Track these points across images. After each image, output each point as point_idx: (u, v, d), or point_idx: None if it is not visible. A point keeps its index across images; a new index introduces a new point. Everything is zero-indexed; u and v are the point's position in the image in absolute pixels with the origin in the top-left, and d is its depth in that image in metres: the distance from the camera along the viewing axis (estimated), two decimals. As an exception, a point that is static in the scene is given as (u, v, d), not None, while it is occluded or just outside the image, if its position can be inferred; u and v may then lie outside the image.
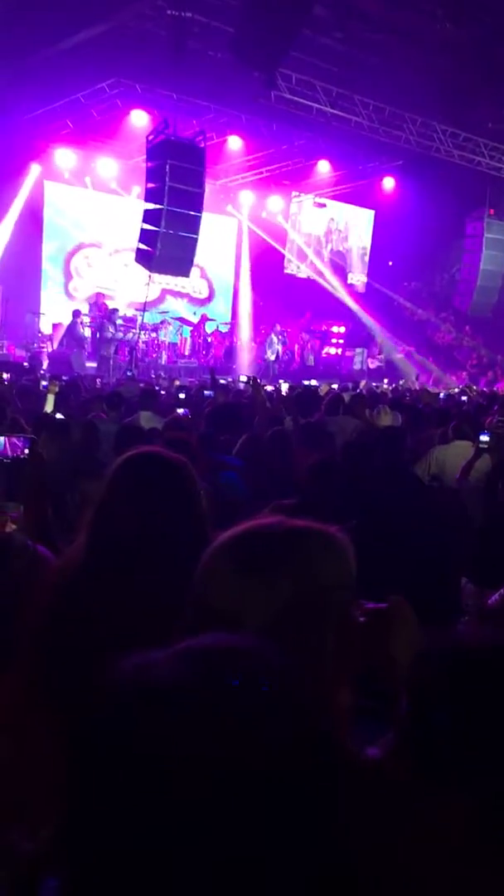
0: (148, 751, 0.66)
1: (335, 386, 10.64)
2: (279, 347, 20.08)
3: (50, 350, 16.93)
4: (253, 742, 0.66)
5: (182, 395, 9.14)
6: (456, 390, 14.32)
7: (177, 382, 12.51)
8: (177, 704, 0.68)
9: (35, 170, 17.63)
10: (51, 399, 6.61)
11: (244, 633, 0.79)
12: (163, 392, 10.00)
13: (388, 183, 20.77)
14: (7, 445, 2.35)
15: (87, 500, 3.49)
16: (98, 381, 12.41)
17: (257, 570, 1.20)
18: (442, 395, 12.66)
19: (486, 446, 6.06)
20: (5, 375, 8.86)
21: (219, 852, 0.63)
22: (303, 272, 22.72)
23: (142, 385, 11.46)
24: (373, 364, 21.12)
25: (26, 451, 2.39)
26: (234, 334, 20.99)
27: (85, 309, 17.92)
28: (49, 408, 6.46)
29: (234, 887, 0.62)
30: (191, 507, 1.66)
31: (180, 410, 7.77)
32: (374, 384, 16.49)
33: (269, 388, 11.98)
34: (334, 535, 1.24)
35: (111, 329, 16.88)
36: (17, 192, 17.39)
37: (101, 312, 17.57)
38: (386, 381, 17.73)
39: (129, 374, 14.17)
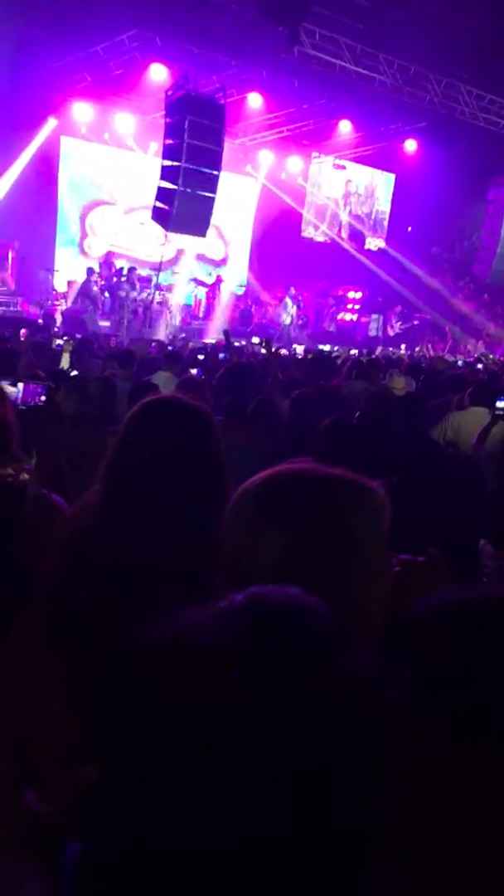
0: (191, 722, 0.61)
1: (354, 352, 10.54)
2: (294, 311, 19.91)
3: (64, 308, 16.83)
4: (308, 714, 0.62)
5: (201, 357, 9.08)
6: (474, 357, 14.19)
7: (191, 344, 12.42)
8: (220, 670, 0.63)
9: (51, 123, 17.35)
10: (66, 357, 6.56)
11: (282, 585, 0.75)
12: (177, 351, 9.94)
13: (411, 145, 20.37)
14: (24, 392, 2.31)
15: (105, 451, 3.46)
16: (113, 340, 12.33)
17: (283, 516, 1.15)
18: (460, 362, 12.54)
19: (502, 413, 6.00)
20: (23, 331, 8.79)
21: (261, 828, 0.58)
22: (320, 236, 22.41)
23: (154, 345, 11.41)
24: (391, 331, 20.91)
25: (42, 398, 2.35)
26: (248, 297, 20.80)
27: (98, 268, 17.77)
28: (64, 364, 6.41)
29: (272, 856, 0.58)
30: (209, 454, 1.61)
31: (193, 371, 7.73)
32: (390, 350, 16.36)
33: (284, 351, 11.90)
34: (372, 489, 1.18)
35: (126, 288, 16.75)
36: (29, 145, 17.12)
37: (112, 272, 17.41)
38: (403, 346, 17.56)
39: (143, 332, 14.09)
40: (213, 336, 16.56)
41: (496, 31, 13.93)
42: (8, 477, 1.98)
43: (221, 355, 9.43)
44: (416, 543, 1.59)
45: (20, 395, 2.31)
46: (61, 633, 1.55)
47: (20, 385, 2.32)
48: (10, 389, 2.24)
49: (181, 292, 19.17)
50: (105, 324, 16.39)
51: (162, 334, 15.82)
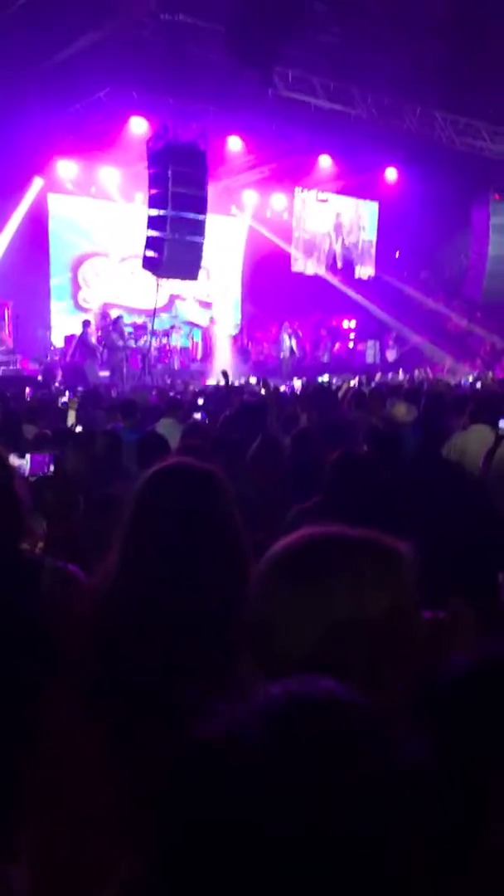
0: (238, 824, 0.62)
1: (354, 382, 10.59)
2: (291, 345, 20.03)
3: (63, 362, 16.97)
4: (351, 808, 0.62)
5: (200, 401, 9.12)
6: (471, 378, 14.22)
7: (191, 387, 12.49)
8: (265, 772, 0.64)
9: (38, 183, 17.66)
10: (72, 413, 6.60)
11: (322, 677, 0.75)
12: (178, 397, 9.99)
13: (391, 174, 20.66)
14: (32, 463, 2.32)
15: (109, 510, 3.47)
16: (113, 390, 12.41)
17: (310, 582, 1.15)
18: (463, 381, 12.57)
19: (506, 433, 6.00)
20: (27, 390, 8.85)
21: None
22: (310, 269, 22.64)
23: (154, 392, 11.48)
24: (390, 356, 21.00)
25: (51, 467, 2.36)
26: (244, 335, 20.95)
27: (94, 320, 17.95)
28: (71, 421, 6.45)
29: None
30: (221, 519, 1.62)
31: (197, 415, 7.77)
32: (389, 375, 16.41)
33: (283, 387, 11.95)
34: (402, 554, 1.18)
35: (115, 337, 16.92)
36: (18, 206, 17.40)
37: (107, 322, 17.61)
38: (401, 371, 17.62)
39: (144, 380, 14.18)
40: (212, 378, 16.66)
41: (463, 55, 14.22)
42: (24, 551, 1.98)
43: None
44: (437, 583, 1.59)
45: (28, 466, 2.33)
46: (94, 709, 1.54)
47: (28, 457, 2.34)
48: (17, 462, 2.26)
49: (177, 336, 19.32)
50: (104, 374, 16.52)
51: (161, 380, 15.93)
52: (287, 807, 0.61)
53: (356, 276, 23.04)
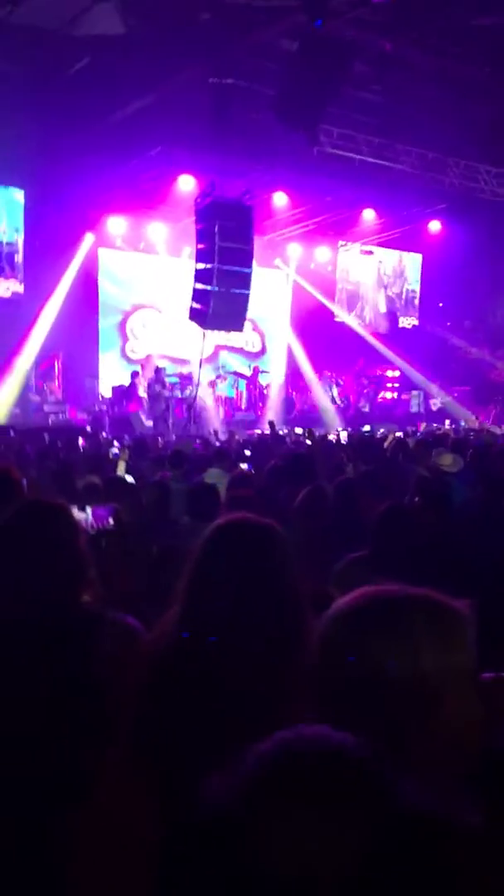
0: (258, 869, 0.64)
1: (399, 434, 10.58)
2: (333, 393, 20.12)
3: (111, 412, 17.25)
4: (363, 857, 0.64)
5: (248, 452, 9.19)
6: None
7: (237, 437, 12.58)
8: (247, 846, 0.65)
9: (89, 239, 18.21)
10: (122, 465, 6.71)
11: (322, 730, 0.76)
12: (223, 446, 10.08)
13: (435, 226, 20.85)
14: (93, 516, 2.39)
15: (166, 562, 3.52)
16: (160, 439, 12.57)
17: (370, 640, 1.17)
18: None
19: None
20: (81, 441, 9.03)
21: None
22: (353, 319, 22.82)
23: (198, 441, 11.60)
24: (434, 406, 20.93)
25: (111, 520, 2.43)
26: (288, 385, 21.11)
27: (141, 371, 18.28)
28: (121, 471, 6.56)
29: None
30: (284, 574, 1.65)
31: (244, 466, 7.82)
32: (434, 425, 16.34)
33: (332, 436, 11.98)
34: (462, 614, 1.20)
35: (157, 387, 17.18)
36: (72, 262, 17.95)
37: (154, 373, 17.92)
38: (448, 422, 17.53)
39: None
40: (257, 427, 16.79)
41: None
42: (85, 604, 2.03)
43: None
44: (496, 641, 1.59)
45: (89, 519, 2.40)
46: (149, 770, 1.57)
47: (89, 510, 2.41)
48: (79, 515, 2.33)
49: (222, 386, 19.55)
50: (149, 423, 16.74)
51: (207, 429, 16.08)
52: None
53: (400, 325, 23.14)
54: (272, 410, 18.67)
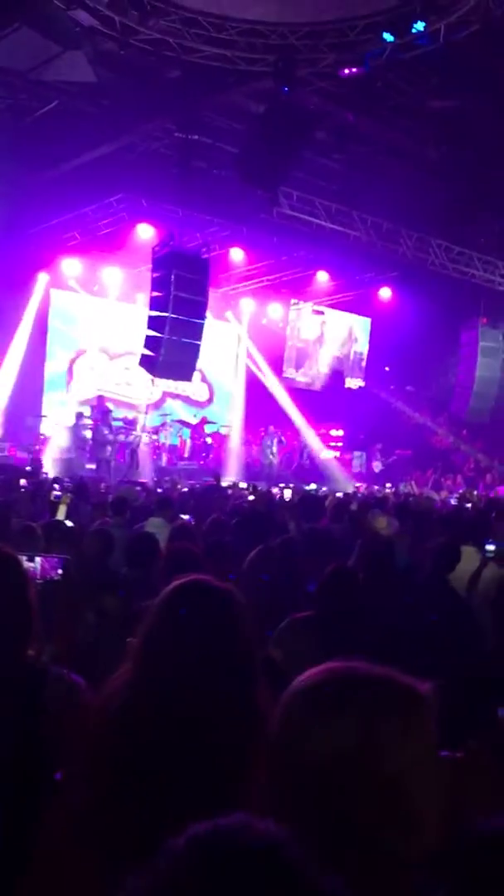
0: None
1: (340, 494, 10.67)
2: (276, 449, 20.24)
3: (51, 452, 16.98)
4: None
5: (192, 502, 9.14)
6: (456, 496, 14.36)
7: (179, 486, 12.53)
8: None
9: (42, 279, 18.16)
10: (62, 508, 6.59)
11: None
12: (165, 495, 10.00)
13: (385, 292, 21.42)
14: (42, 566, 2.32)
15: (107, 619, 3.44)
16: (102, 485, 12.41)
17: (328, 714, 1.16)
18: (453, 500, 12.68)
19: (492, 555, 6.03)
20: (22, 481, 8.85)
21: None
22: (301, 377, 23.13)
23: (141, 489, 11.49)
24: (376, 467, 21.22)
25: (59, 571, 2.36)
26: (232, 437, 21.18)
27: (87, 411, 18.11)
28: (60, 516, 6.44)
29: None
30: (241, 638, 1.63)
31: (185, 516, 7.75)
32: (375, 487, 16.53)
33: (275, 491, 12.02)
34: (425, 697, 1.19)
35: (105, 430, 17.04)
36: (26, 303, 17.85)
37: (103, 414, 17.77)
38: (389, 485, 17.78)
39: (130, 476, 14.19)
40: (198, 477, 16.74)
41: (459, 190, 15.05)
42: (29, 658, 1.96)
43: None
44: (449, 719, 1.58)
45: (38, 569, 2.33)
46: (91, 834, 1.50)
47: (38, 560, 2.34)
48: (27, 565, 2.26)
49: (166, 433, 19.51)
50: (91, 466, 16.54)
51: (148, 476, 15.96)
52: None
53: (346, 385, 23.52)
54: (214, 462, 18.67)
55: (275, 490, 12.41)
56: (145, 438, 18.04)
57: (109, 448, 16.86)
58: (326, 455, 20.79)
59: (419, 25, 10.12)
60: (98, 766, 1.58)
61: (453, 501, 12.99)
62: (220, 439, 20.53)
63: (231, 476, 17.23)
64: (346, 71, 11.16)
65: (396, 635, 3.64)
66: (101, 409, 17.97)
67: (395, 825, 1.12)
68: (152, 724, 1.53)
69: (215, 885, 0.62)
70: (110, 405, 18.58)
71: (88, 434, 17.35)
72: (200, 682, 1.52)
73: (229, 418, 21.69)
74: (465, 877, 0.97)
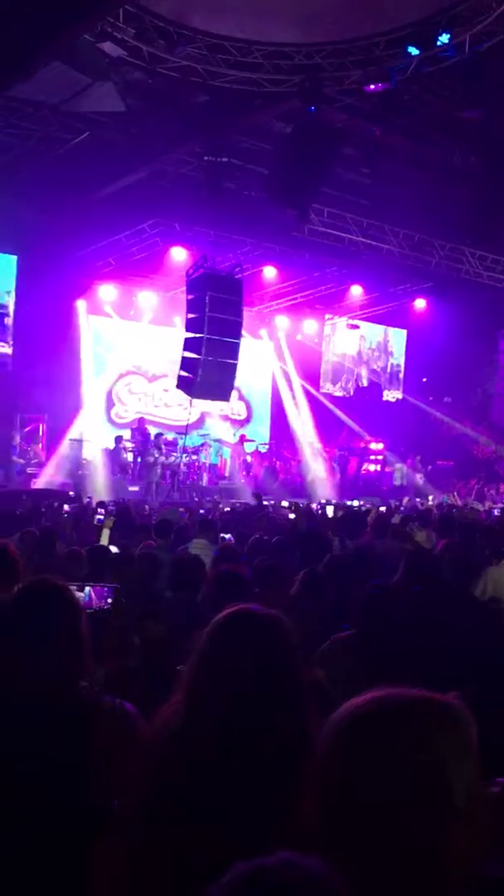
0: None
1: (383, 508, 10.60)
2: (319, 465, 20.18)
3: (95, 476, 17.16)
4: None
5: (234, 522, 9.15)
6: (500, 505, 14.17)
7: (221, 506, 12.56)
8: None
9: (81, 306, 18.46)
10: (106, 532, 6.65)
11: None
12: (207, 516, 10.03)
13: (420, 304, 21.34)
14: (92, 596, 2.36)
15: (153, 646, 3.47)
16: (146, 506, 12.50)
17: (376, 747, 1.14)
18: (496, 511, 12.52)
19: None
20: (66, 507, 8.96)
21: None
22: (338, 391, 23.09)
23: (184, 510, 11.54)
24: (418, 479, 21.02)
25: (109, 600, 2.39)
26: (272, 454, 21.19)
27: (127, 434, 18.29)
28: (104, 541, 6.49)
29: None
30: (289, 665, 1.64)
31: (226, 536, 7.77)
32: (417, 500, 16.39)
33: (314, 505, 11.99)
34: (452, 706, 1.18)
35: (155, 454, 17.17)
36: (66, 333, 18.12)
37: (144, 437, 17.91)
38: (431, 497, 17.61)
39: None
40: (240, 496, 16.78)
41: (489, 198, 14.93)
42: (82, 689, 1.99)
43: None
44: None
45: (88, 599, 2.36)
46: (144, 869, 1.52)
47: (87, 589, 2.38)
48: (78, 594, 2.30)
49: (206, 453, 19.59)
50: (134, 489, 16.67)
51: (189, 496, 16.05)
52: None
53: (384, 398, 23.43)
54: (257, 481, 18.68)
55: (314, 505, 12.38)
56: (185, 459, 18.14)
57: (159, 470, 16.99)
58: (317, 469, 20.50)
59: (444, 38, 10.14)
60: (149, 797, 1.60)
61: (497, 512, 12.82)
62: (260, 457, 20.55)
63: (271, 493, 17.24)
64: (372, 87, 11.19)
65: (438, 653, 3.60)
66: (141, 432, 18.13)
67: (445, 868, 1.09)
68: (204, 755, 1.55)
69: None
70: (157, 428, 18.77)
71: (129, 457, 17.51)
72: (252, 713, 1.53)
73: (267, 435, 21.73)
74: None
